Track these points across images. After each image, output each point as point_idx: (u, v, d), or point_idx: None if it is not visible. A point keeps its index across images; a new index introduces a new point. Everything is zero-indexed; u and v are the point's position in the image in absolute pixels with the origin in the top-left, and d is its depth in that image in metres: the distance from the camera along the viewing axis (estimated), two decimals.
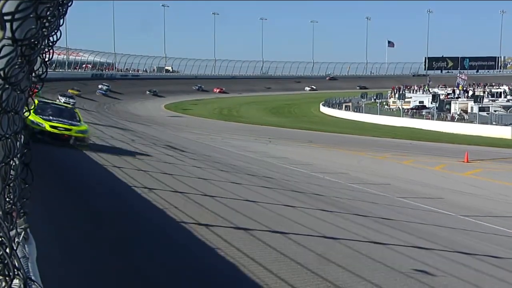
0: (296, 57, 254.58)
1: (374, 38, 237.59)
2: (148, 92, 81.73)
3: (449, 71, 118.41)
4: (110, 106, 61.91)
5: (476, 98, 54.15)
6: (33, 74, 2.05)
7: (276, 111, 67.36)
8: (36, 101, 10.36)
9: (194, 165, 15.84)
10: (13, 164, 1.73)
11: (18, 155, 1.87)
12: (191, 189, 10.79)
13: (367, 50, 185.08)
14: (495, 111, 49.03)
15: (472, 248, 8.91)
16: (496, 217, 12.51)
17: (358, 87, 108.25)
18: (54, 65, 79.25)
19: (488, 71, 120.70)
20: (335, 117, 61.47)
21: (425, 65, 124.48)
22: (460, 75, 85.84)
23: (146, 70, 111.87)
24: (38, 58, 2.08)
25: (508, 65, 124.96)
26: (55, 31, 2.16)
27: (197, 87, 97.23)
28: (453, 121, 49.16)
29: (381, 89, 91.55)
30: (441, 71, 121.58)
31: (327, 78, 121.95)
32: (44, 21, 1.70)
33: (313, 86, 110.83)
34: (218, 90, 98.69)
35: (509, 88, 70.98)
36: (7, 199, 1.77)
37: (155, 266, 5.70)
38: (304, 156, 23.99)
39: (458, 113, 52.70)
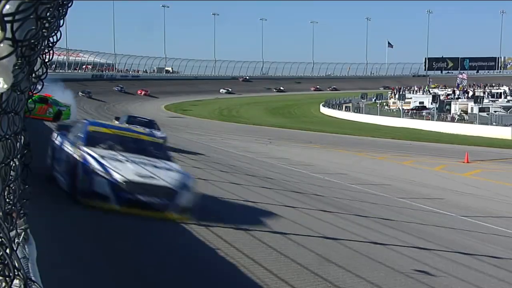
0: (296, 57, 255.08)
1: (374, 39, 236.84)
2: (81, 94, 69.84)
3: (449, 71, 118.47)
4: (110, 106, 61.89)
5: (476, 99, 54.10)
6: (33, 75, 2.05)
7: (276, 111, 67.31)
8: None
9: (194, 165, 15.81)
10: (13, 165, 1.73)
11: (18, 156, 1.87)
12: None
13: (367, 50, 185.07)
14: (495, 111, 48.97)
15: (472, 248, 8.92)
16: (496, 218, 12.51)
17: (274, 90, 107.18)
18: (54, 66, 79.22)
19: (488, 72, 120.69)
20: (335, 117, 61.43)
21: (425, 65, 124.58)
22: (462, 75, 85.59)
23: (146, 71, 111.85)
24: (38, 59, 2.08)
25: (508, 66, 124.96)
26: (55, 32, 2.17)
27: (118, 88, 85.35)
28: (453, 121, 49.14)
29: (381, 90, 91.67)
30: (441, 72, 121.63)
31: (240, 79, 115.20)
32: (44, 22, 1.71)
33: (228, 89, 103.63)
34: (143, 93, 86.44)
35: (509, 89, 70.93)
36: (7, 200, 1.78)
37: (155, 267, 5.70)
38: (304, 156, 23.98)
39: (458, 113, 52.65)
